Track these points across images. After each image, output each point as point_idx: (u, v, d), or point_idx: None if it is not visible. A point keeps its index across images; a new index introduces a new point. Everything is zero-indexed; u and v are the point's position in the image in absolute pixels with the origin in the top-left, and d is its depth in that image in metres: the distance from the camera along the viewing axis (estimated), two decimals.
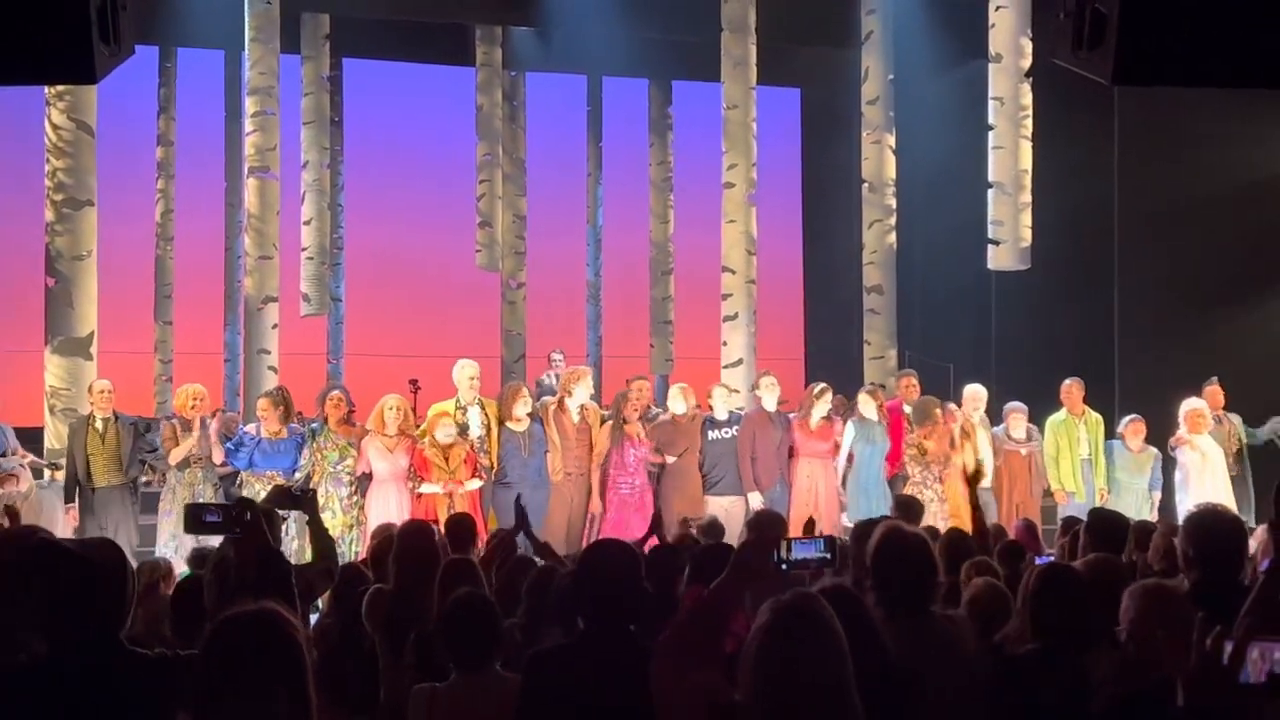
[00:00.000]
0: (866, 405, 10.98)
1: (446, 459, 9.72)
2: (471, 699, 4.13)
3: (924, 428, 10.73)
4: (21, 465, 9.76)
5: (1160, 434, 11.44)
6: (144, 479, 10.62)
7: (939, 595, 4.24)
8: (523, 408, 10.24)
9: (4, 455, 9.91)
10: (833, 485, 10.78)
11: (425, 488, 9.67)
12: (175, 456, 9.84)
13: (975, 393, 11.33)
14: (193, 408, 9.99)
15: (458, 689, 4.19)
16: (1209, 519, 4.50)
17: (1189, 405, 11.30)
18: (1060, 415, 11.54)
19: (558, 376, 13.29)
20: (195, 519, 4.17)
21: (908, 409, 11.08)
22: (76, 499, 9.93)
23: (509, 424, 10.21)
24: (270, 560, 3.84)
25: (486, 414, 10.23)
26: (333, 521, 9.48)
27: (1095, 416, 11.59)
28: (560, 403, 10.48)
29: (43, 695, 3.07)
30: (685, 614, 3.38)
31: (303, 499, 5.37)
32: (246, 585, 4.03)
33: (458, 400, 10.21)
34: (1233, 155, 14.25)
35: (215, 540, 4.65)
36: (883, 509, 10.37)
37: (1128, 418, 11.58)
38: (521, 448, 10.14)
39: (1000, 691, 3.95)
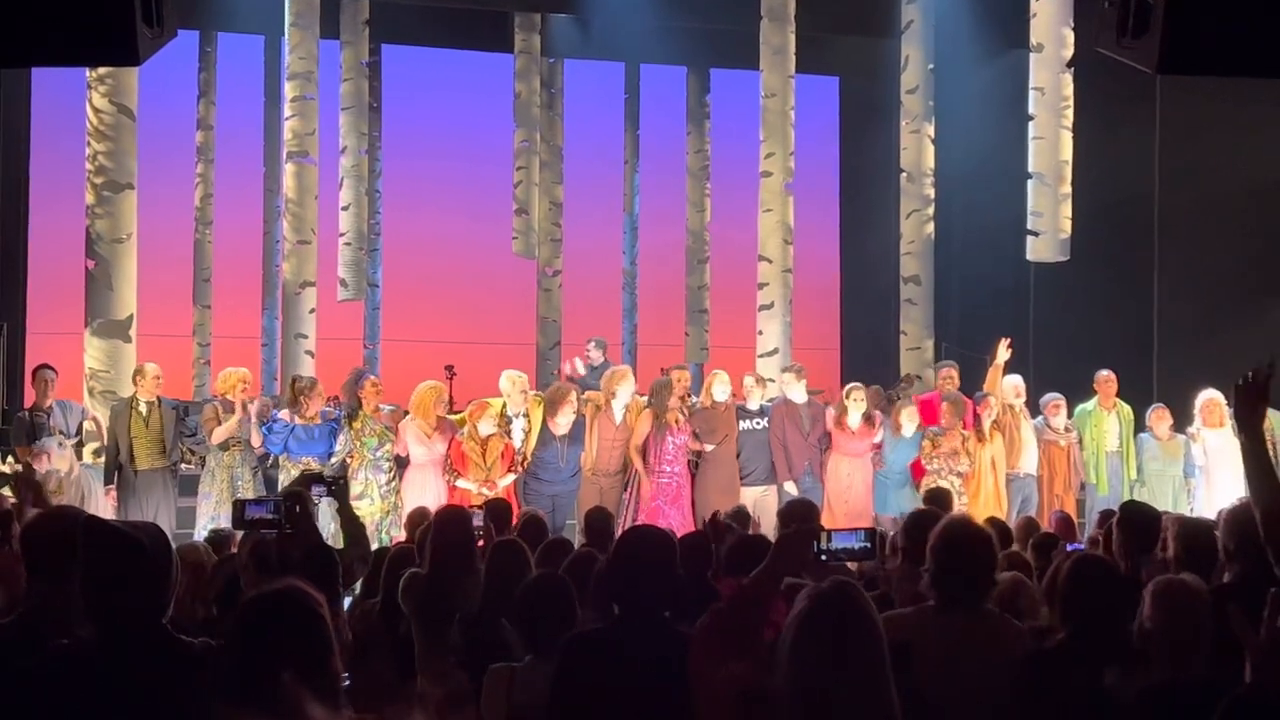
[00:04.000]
0: (908, 420, 10.84)
1: (484, 454, 9.73)
2: (547, 676, 4.13)
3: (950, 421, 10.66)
4: (61, 445, 9.79)
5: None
6: (183, 463, 10.70)
7: (994, 592, 4.21)
8: (566, 415, 10.12)
9: (57, 436, 9.96)
10: (869, 479, 10.74)
11: (460, 483, 9.69)
12: (217, 436, 9.87)
13: (1014, 384, 11.27)
14: (243, 391, 10.03)
15: (535, 669, 4.19)
16: (1249, 513, 4.46)
17: (1205, 396, 11.21)
18: (1089, 405, 11.48)
19: (591, 367, 13.21)
20: (242, 515, 4.10)
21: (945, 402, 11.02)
22: (116, 480, 10.00)
23: (550, 426, 10.17)
24: (317, 554, 3.83)
25: (530, 420, 10.20)
26: (371, 508, 9.57)
27: (1126, 409, 11.53)
28: (607, 403, 10.42)
29: (88, 678, 3.07)
30: (725, 603, 3.38)
31: (334, 486, 5.38)
32: (290, 569, 4.03)
33: (504, 407, 10.21)
34: (1277, 146, 14.11)
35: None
36: (905, 502, 10.35)
37: (1152, 407, 11.52)
38: (560, 454, 10.13)
39: (1031, 681, 3.93)
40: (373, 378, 10.31)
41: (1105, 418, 11.41)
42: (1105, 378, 11.55)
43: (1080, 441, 11.34)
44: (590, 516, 7.71)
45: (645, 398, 10.62)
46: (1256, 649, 2.76)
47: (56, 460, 9.56)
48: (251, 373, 10.70)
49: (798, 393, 10.85)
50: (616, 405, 10.36)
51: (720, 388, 10.69)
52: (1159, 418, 11.39)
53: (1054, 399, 11.40)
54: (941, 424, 10.63)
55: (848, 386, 11.04)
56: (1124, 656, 3.80)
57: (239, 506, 4.13)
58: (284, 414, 10.12)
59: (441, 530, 5.41)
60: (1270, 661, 2.73)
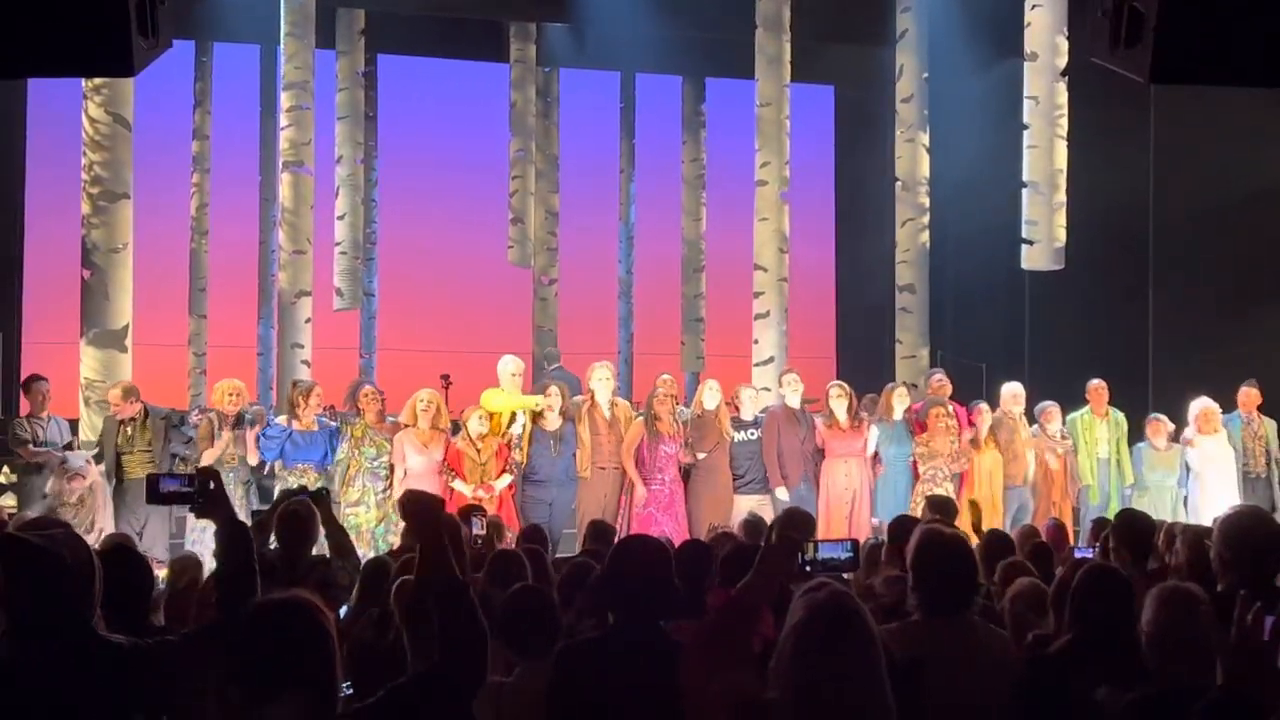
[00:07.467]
0: (898, 401, 10.91)
1: (479, 451, 9.78)
2: (536, 690, 4.14)
3: (926, 420, 10.69)
4: (87, 461, 9.68)
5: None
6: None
7: (979, 597, 4.21)
8: (552, 416, 10.24)
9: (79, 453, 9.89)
10: (869, 485, 10.73)
11: (457, 485, 9.73)
12: (208, 458, 9.68)
13: (1014, 391, 11.30)
14: (230, 403, 10.01)
15: (522, 682, 4.19)
16: (1245, 521, 4.46)
17: (1199, 405, 11.24)
18: (1082, 412, 11.52)
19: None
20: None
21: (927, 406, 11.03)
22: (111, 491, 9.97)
23: (540, 424, 10.23)
24: (318, 566, 3.81)
25: (526, 422, 10.25)
26: (367, 515, 9.61)
27: (1117, 417, 11.55)
28: (592, 398, 10.49)
29: (8, 683, 3.15)
30: (713, 614, 3.38)
31: (316, 497, 5.35)
32: (295, 581, 4.04)
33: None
34: (1270, 154, 14.15)
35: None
36: (907, 508, 10.34)
37: (1149, 417, 11.52)
38: (551, 449, 10.16)
39: (1032, 686, 3.93)
40: (369, 386, 10.28)
41: (1097, 425, 11.45)
42: (1097, 386, 11.60)
43: (1075, 449, 11.37)
44: (595, 524, 7.75)
45: (638, 410, 10.66)
46: (1227, 651, 2.79)
47: (92, 476, 9.44)
48: (246, 383, 10.66)
49: (795, 399, 10.87)
50: (601, 398, 10.42)
51: (711, 395, 10.70)
52: (1155, 430, 11.38)
53: (1048, 407, 11.43)
54: (929, 427, 10.66)
55: (829, 385, 11.05)
56: (1127, 664, 3.80)
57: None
58: (281, 419, 10.13)
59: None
60: (1240, 662, 2.76)
